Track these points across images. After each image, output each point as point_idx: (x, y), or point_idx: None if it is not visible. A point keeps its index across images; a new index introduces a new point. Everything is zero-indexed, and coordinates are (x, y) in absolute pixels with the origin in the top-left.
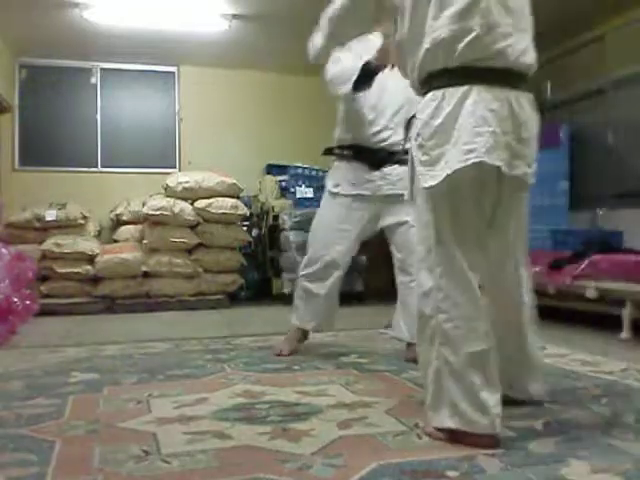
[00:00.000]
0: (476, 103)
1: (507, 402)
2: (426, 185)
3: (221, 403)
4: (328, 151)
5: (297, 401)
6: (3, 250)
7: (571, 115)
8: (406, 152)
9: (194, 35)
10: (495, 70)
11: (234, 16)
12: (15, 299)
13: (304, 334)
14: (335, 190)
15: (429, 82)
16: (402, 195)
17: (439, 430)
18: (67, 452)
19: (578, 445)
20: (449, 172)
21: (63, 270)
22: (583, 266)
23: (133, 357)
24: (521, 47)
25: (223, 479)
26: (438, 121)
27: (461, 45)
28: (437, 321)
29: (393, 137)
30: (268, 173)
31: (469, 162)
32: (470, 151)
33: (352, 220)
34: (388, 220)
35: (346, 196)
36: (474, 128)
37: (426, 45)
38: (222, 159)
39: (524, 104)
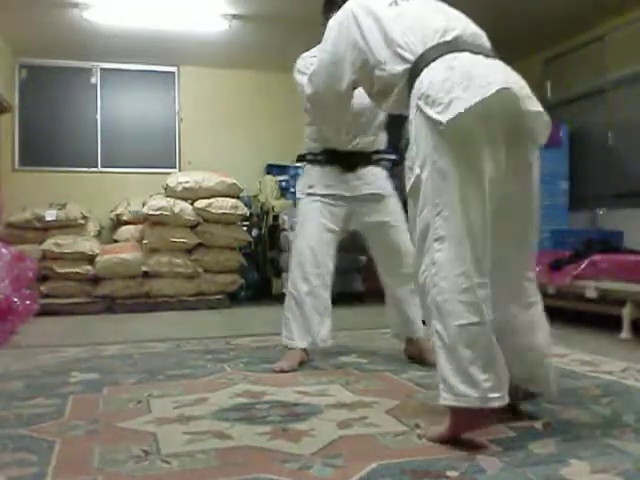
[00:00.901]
0: (485, 58)
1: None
2: (445, 118)
3: (221, 403)
4: (301, 158)
5: (297, 401)
6: (3, 250)
7: (571, 115)
8: (377, 152)
9: (194, 35)
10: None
11: (234, 16)
12: (15, 299)
13: (305, 353)
14: (309, 191)
15: (429, 54)
16: (378, 195)
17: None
18: (67, 452)
19: (578, 445)
20: (466, 106)
21: (63, 270)
22: (583, 266)
23: (133, 357)
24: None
25: (223, 479)
26: (450, 73)
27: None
28: (431, 296)
29: (365, 140)
30: (268, 173)
31: (490, 92)
32: (489, 83)
33: (326, 214)
34: (368, 219)
35: (322, 195)
36: (488, 69)
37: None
38: (222, 159)
39: None
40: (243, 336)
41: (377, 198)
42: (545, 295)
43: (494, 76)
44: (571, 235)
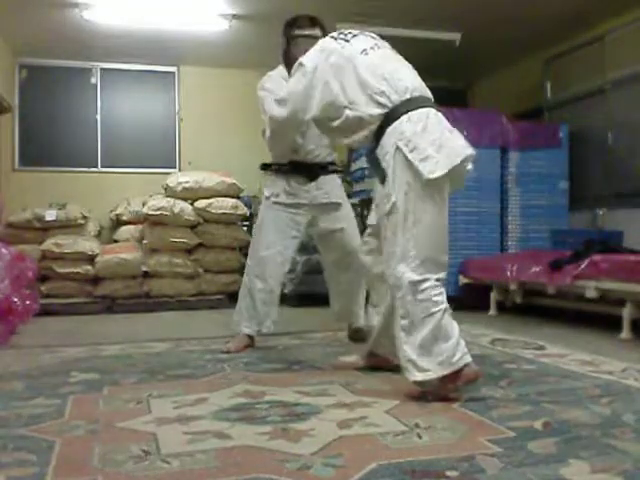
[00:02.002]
0: (438, 114)
1: (508, 401)
2: (432, 176)
3: (221, 403)
4: (266, 166)
5: (297, 401)
6: (3, 250)
7: (571, 115)
8: (332, 163)
9: (194, 35)
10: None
11: (234, 16)
12: (15, 299)
13: (251, 339)
14: (275, 199)
15: (404, 106)
16: (336, 204)
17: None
18: (67, 452)
19: (578, 445)
20: (450, 167)
21: (63, 270)
22: (583, 266)
23: (133, 357)
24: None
25: (223, 479)
26: (425, 129)
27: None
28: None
29: (321, 155)
30: None
31: (457, 162)
32: (457, 154)
33: (290, 223)
34: (325, 226)
35: (285, 205)
36: (451, 135)
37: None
38: (222, 159)
39: None
40: None
41: (334, 207)
42: (545, 295)
43: (457, 143)
44: (571, 235)
